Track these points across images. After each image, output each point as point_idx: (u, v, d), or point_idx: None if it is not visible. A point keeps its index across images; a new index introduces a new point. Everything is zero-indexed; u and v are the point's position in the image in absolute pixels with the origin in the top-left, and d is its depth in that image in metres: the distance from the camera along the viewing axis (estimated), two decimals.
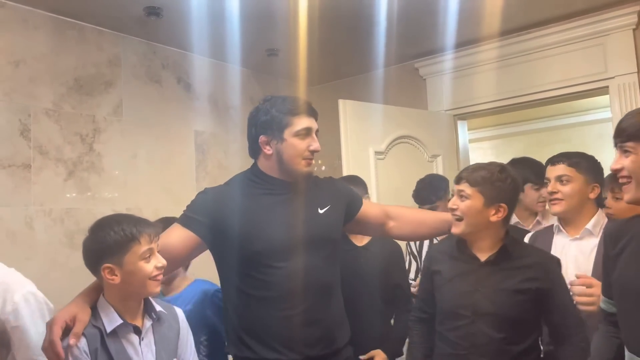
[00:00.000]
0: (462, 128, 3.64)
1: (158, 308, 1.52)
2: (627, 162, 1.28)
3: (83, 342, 1.38)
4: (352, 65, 3.73)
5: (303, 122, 1.73)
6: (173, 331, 1.54)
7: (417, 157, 3.29)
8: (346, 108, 2.99)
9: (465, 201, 1.66)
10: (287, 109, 1.76)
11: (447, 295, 1.69)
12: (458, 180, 1.71)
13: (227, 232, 1.66)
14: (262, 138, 1.77)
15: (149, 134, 3.07)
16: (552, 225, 2.08)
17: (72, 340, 1.36)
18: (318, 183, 1.88)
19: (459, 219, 1.68)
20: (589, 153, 1.99)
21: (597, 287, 1.63)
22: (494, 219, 1.65)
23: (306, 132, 1.73)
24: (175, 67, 3.25)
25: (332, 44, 3.26)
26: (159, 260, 1.46)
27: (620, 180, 1.30)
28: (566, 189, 1.94)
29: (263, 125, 1.77)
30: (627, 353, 1.32)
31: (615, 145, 1.32)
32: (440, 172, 3.37)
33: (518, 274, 1.61)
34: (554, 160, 2.00)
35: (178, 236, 1.68)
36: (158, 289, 1.48)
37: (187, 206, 1.80)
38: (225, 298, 1.77)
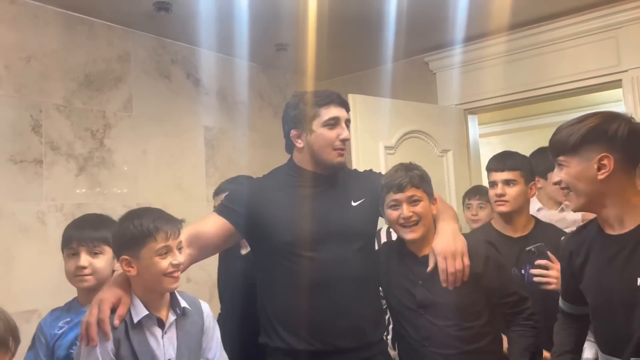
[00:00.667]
0: (473, 122, 3.62)
1: (183, 303, 1.53)
2: (563, 174, 1.38)
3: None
4: (361, 59, 3.72)
5: (331, 111, 1.77)
6: (196, 327, 1.55)
7: (427, 152, 3.27)
8: (356, 103, 2.97)
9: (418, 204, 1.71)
10: (314, 100, 1.80)
11: (393, 292, 1.76)
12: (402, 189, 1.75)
13: (261, 222, 1.72)
14: (293, 132, 1.83)
15: (159, 130, 3.07)
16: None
17: (116, 322, 1.40)
18: (354, 175, 1.90)
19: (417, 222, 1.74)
20: None
21: (554, 269, 1.76)
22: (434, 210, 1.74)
23: (335, 122, 1.77)
24: (185, 63, 3.25)
25: (341, 38, 3.24)
26: (175, 258, 1.47)
27: (564, 192, 1.43)
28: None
29: (293, 119, 1.82)
30: (600, 355, 1.40)
31: (553, 161, 1.44)
32: (451, 167, 3.36)
33: None
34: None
35: (213, 224, 1.74)
36: (174, 285, 1.48)
37: (225, 196, 1.88)
38: (260, 288, 1.81)
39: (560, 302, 1.60)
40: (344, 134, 1.76)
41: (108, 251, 1.63)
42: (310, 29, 3.01)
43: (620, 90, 3.04)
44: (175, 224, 1.48)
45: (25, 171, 2.50)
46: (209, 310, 1.61)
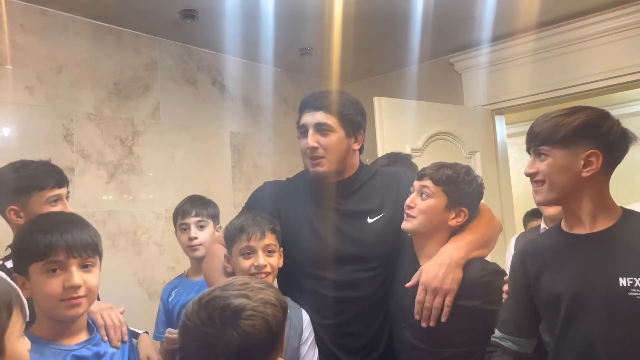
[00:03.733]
0: (500, 123, 3.57)
1: None
2: (542, 165, 1.30)
3: None
4: (385, 62, 3.70)
5: (303, 118, 1.66)
6: (295, 333, 1.55)
7: (454, 153, 3.23)
8: (381, 105, 2.96)
9: (427, 199, 1.55)
10: (299, 108, 1.71)
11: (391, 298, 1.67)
12: (421, 177, 1.60)
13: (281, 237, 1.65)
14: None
15: (186, 136, 3.10)
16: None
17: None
18: (379, 182, 1.73)
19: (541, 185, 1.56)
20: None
21: None
22: (452, 223, 1.56)
23: (303, 130, 1.65)
24: (210, 69, 3.27)
25: (366, 41, 3.23)
26: (257, 260, 1.55)
27: (535, 184, 1.34)
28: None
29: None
30: None
31: (529, 149, 1.35)
32: (479, 169, 3.31)
33: None
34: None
35: None
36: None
37: (246, 202, 1.82)
38: None
39: (498, 336, 1.40)
40: (309, 141, 1.60)
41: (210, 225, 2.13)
42: (334, 32, 3.01)
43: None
44: (261, 226, 1.57)
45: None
46: (309, 320, 1.59)
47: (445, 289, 1.45)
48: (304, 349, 1.58)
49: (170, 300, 2.11)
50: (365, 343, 1.63)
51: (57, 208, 1.67)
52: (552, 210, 1.91)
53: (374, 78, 3.96)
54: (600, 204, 1.27)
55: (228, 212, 3.22)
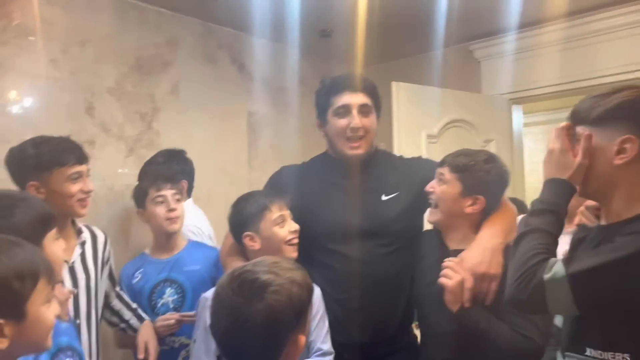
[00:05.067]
0: (517, 113, 3.56)
1: None
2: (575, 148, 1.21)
3: None
4: (405, 46, 3.68)
5: (343, 99, 1.69)
6: None
7: (470, 141, 3.23)
8: (399, 91, 2.97)
9: (441, 185, 1.59)
10: (329, 88, 1.75)
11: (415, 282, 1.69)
12: (441, 164, 1.64)
13: (296, 213, 1.71)
14: (317, 122, 1.82)
15: (204, 114, 3.13)
16: None
17: None
18: (395, 164, 1.80)
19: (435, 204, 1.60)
20: None
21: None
22: (468, 210, 1.57)
23: (344, 110, 1.68)
24: (230, 48, 3.29)
25: (386, 25, 3.22)
26: (292, 226, 1.62)
27: None
28: None
29: (317, 108, 1.81)
30: None
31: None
32: None
33: None
34: None
35: None
36: (295, 254, 1.63)
37: (264, 186, 1.88)
38: None
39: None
40: (354, 122, 1.65)
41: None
42: (356, 15, 3.01)
43: None
44: (282, 198, 1.64)
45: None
46: (320, 294, 1.62)
47: (491, 274, 1.46)
48: (314, 322, 1.62)
49: (135, 282, 2.03)
50: (378, 320, 1.68)
51: (78, 185, 1.69)
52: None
53: (392, 62, 3.94)
54: (632, 197, 1.13)
55: (243, 191, 3.21)
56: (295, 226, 1.63)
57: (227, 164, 3.23)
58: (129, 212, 2.75)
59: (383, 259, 1.67)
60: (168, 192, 2.04)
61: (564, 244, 1.84)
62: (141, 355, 1.80)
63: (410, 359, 1.70)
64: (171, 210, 2.01)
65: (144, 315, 1.93)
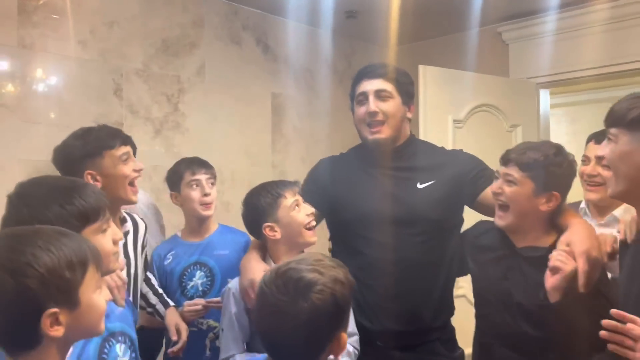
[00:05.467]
0: (545, 97, 3.50)
1: None
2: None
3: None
4: (431, 28, 3.63)
5: (360, 87, 1.72)
6: None
7: (496, 126, 3.20)
8: (426, 74, 2.93)
9: (512, 187, 1.47)
10: (354, 79, 1.78)
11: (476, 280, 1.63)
12: (599, 141, 1.51)
13: (329, 200, 1.76)
14: (352, 112, 1.82)
15: (229, 96, 3.13)
16: (580, 203, 1.96)
17: None
18: (432, 154, 1.80)
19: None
20: None
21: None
22: (544, 208, 1.49)
23: (363, 97, 1.70)
24: (255, 29, 3.27)
25: (412, 5, 3.16)
26: (306, 209, 1.63)
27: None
28: (608, 173, 1.73)
29: (350, 101, 1.82)
30: None
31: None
32: (519, 142, 3.27)
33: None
34: (599, 139, 1.70)
35: None
36: (315, 238, 1.65)
37: (305, 178, 1.90)
38: None
39: None
40: (368, 106, 1.66)
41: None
42: None
43: None
44: (293, 184, 1.67)
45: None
46: None
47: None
48: None
49: (166, 263, 2.05)
50: (411, 308, 1.68)
51: (129, 165, 1.71)
52: (592, 196, 1.87)
53: (418, 44, 3.89)
54: None
55: (266, 173, 3.30)
56: (311, 209, 1.65)
57: (251, 146, 3.23)
58: (158, 194, 2.78)
59: (417, 247, 1.67)
60: (203, 177, 2.06)
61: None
62: (175, 337, 1.84)
63: (446, 351, 1.71)
64: (206, 195, 2.03)
65: (169, 300, 1.96)
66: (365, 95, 1.69)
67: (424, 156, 1.78)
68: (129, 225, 1.82)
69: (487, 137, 3.11)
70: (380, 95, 1.68)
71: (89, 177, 1.64)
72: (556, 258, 1.37)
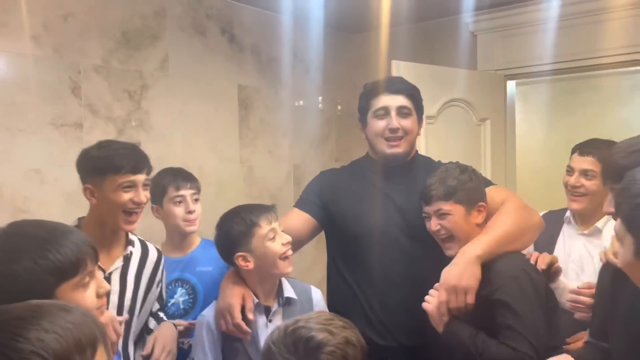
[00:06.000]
0: (511, 88, 3.52)
1: (287, 293, 1.60)
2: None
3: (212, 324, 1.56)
4: (395, 15, 3.55)
5: (380, 101, 1.75)
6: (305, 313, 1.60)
7: (466, 121, 3.20)
8: (400, 70, 2.88)
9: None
10: (369, 91, 1.80)
11: None
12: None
13: (334, 214, 1.76)
14: (360, 125, 1.85)
15: (194, 90, 2.98)
16: (565, 211, 2.01)
17: (250, 316, 1.53)
18: (431, 169, 1.79)
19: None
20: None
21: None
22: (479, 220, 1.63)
23: (384, 112, 1.74)
24: (220, 17, 3.11)
25: None
26: (283, 238, 1.58)
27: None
28: (591, 184, 1.81)
29: (359, 111, 1.84)
30: None
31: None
32: (488, 136, 3.30)
33: None
34: (583, 151, 1.85)
35: (296, 218, 1.79)
36: (290, 268, 1.59)
37: (304, 189, 1.89)
38: (329, 276, 1.84)
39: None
40: (392, 123, 1.71)
41: None
42: None
43: None
44: (269, 209, 1.58)
45: (67, 136, 2.44)
46: (320, 297, 1.65)
47: (463, 287, 1.47)
48: None
49: None
50: (420, 324, 1.66)
51: (129, 195, 1.57)
52: (575, 206, 1.91)
53: (385, 31, 3.81)
54: None
55: (234, 169, 3.19)
56: (287, 238, 1.59)
57: (218, 142, 3.11)
58: None
59: (427, 262, 1.67)
60: (187, 192, 1.96)
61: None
62: (145, 352, 1.71)
63: None
64: (190, 212, 1.93)
65: (164, 317, 1.86)
66: (386, 110, 1.72)
67: (426, 169, 1.81)
68: (135, 249, 1.69)
69: (458, 132, 3.12)
70: (402, 111, 1.72)
71: (87, 191, 1.58)
72: (426, 298, 1.54)
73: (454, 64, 3.33)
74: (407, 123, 1.73)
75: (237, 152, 3.22)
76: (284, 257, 1.57)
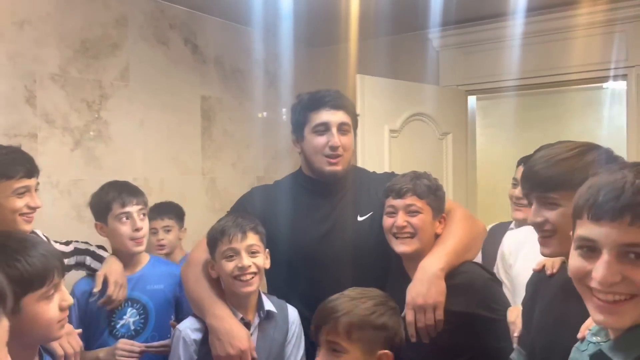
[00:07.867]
0: (472, 103, 3.59)
1: (268, 306, 1.56)
2: (552, 215, 1.12)
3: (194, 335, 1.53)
4: (360, 30, 3.57)
5: (321, 116, 1.67)
6: (280, 333, 1.56)
7: (429, 135, 3.24)
8: (364, 84, 2.89)
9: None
10: (307, 104, 1.72)
11: None
12: (402, 194, 1.55)
13: (270, 237, 1.64)
14: (292, 137, 1.77)
15: (156, 100, 2.92)
16: (509, 224, 2.10)
17: None
18: (368, 181, 1.77)
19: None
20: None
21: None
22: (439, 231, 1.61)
23: (324, 128, 1.66)
24: (183, 27, 3.06)
25: (344, 6, 3.08)
26: (240, 261, 1.52)
27: (543, 234, 1.15)
28: None
29: (292, 124, 1.77)
30: None
31: (528, 195, 1.18)
32: (450, 150, 3.35)
33: None
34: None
35: None
36: (250, 288, 1.54)
37: (233, 207, 1.78)
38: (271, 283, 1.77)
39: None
40: (333, 140, 1.63)
41: None
42: None
43: None
44: (242, 227, 1.53)
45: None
46: (296, 317, 1.60)
47: (431, 303, 1.43)
48: (289, 348, 1.59)
49: (92, 301, 1.78)
50: None
51: (24, 200, 1.59)
52: (519, 215, 1.95)
53: (349, 45, 3.83)
54: None
55: (196, 181, 3.14)
56: (247, 263, 1.52)
57: (180, 153, 3.05)
58: (79, 210, 2.55)
59: (362, 279, 1.58)
60: (134, 209, 1.82)
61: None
62: (97, 288, 1.72)
63: None
64: (137, 229, 1.81)
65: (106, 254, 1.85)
66: (327, 126, 1.65)
67: (361, 185, 1.76)
68: None
69: (420, 146, 3.15)
70: (342, 128, 1.66)
71: None
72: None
73: (417, 79, 3.37)
74: (347, 140, 1.67)
75: (200, 164, 3.17)
76: (239, 279, 1.53)
